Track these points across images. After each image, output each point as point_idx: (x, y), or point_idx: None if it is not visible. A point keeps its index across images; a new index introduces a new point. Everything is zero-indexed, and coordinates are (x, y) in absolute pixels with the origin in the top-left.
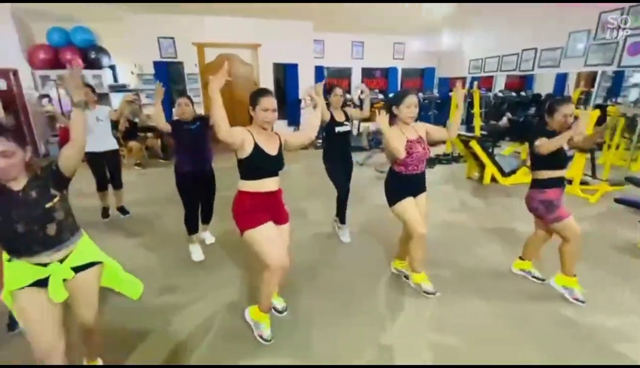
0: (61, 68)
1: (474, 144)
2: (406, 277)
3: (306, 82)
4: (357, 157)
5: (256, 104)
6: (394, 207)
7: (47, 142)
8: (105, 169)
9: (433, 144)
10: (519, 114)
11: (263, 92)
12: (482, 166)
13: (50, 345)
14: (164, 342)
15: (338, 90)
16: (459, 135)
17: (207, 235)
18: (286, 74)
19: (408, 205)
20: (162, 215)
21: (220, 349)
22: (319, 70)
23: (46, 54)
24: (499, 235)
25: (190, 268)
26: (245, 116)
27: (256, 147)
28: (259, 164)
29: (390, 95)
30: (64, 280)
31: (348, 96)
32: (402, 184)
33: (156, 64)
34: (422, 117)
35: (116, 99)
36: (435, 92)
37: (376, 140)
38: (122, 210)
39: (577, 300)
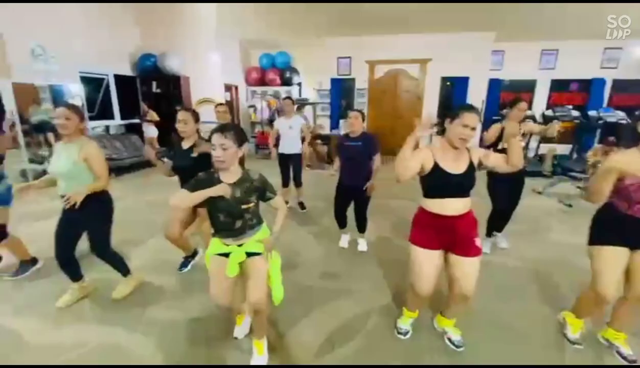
0: (266, 85)
1: None
2: (622, 356)
3: (476, 97)
4: (535, 183)
5: (456, 117)
6: (590, 247)
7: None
8: (290, 169)
9: None
10: None
11: (468, 107)
12: None
13: (218, 296)
14: (323, 322)
15: (523, 105)
16: None
17: (361, 242)
18: (454, 88)
19: (608, 257)
20: (327, 210)
21: (373, 345)
22: (493, 84)
23: (257, 74)
24: None
25: (351, 261)
26: (407, 132)
27: (436, 167)
28: (438, 183)
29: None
30: (241, 261)
31: (529, 112)
32: (615, 223)
33: (333, 81)
34: None
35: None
36: None
37: (564, 167)
38: (302, 205)
39: None
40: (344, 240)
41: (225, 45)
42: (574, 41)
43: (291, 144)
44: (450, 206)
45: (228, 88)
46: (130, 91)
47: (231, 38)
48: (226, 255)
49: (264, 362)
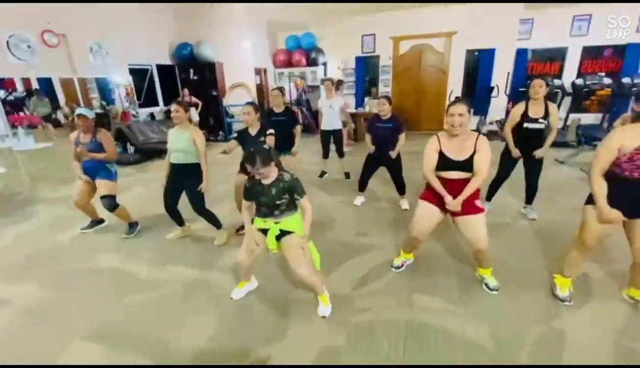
0: (291, 66)
1: None
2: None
3: (502, 68)
4: (558, 153)
5: (447, 111)
6: (584, 206)
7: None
8: (330, 143)
9: None
10: None
11: (454, 101)
12: None
13: (244, 255)
14: (355, 270)
15: (537, 82)
16: None
17: (403, 202)
18: (479, 61)
19: (593, 214)
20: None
21: (401, 282)
22: (520, 54)
23: (283, 56)
24: None
25: (380, 224)
26: (431, 107)
27: (440, 153)
28: (441, 165)
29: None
30: (278, 238)
31: (557, 82)
32: (615, 190)
33: (357, 59)
34: None
35: (322, 90)
36: None
37: (588, 136)
38: (347, 174)
39: None
40: (358, 200)
41: (254, 29)
42: (610, 5)
43: (333, 121)
44: (450, 174)
45: (258, 72)
46: (170, 79)
47: (259, 22)
48: (264, 231)
49: (329, 313)
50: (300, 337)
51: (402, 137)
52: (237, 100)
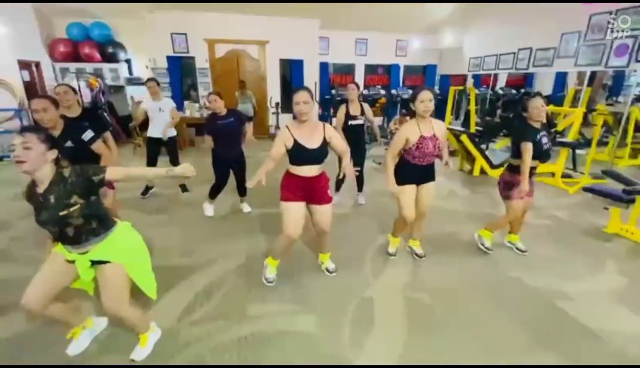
0: (80, 61)
1: (464, 138)
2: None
3: (311, 78)
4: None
5: (292, 100)
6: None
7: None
8: (158, 153)
9: None
10: (510, 110)
11: (295, 89)
12: (473, 159)
13: (32, 297)
14: (179, 298)
15: (350, 86)
16: (451, 130)
17: (244, 206)
18: (292, 70)
19: (405, 190)
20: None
21: (233, 298)
22: (323, 67)
23: (66, 48)
24: (477, 218)
25: (213, 236)
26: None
27: (295, 143)
28: (298, 155)
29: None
30: (95, 264)
31: None
32: (407, 171)
33: (169, 59)
34: None
35: (130, 91)
36: (436, 88)
37: (372, 136)
38: (183, 187)
39: (484, 247)
40: (210, 210)
41: (9, 9)
42: (377, 33)
43: (162, 128)
44: (306, 170)
45: (26, 65)
46: None
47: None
48: (72, 261)
49: (146, 354)
50: None
51: (249, 127)
52: None
